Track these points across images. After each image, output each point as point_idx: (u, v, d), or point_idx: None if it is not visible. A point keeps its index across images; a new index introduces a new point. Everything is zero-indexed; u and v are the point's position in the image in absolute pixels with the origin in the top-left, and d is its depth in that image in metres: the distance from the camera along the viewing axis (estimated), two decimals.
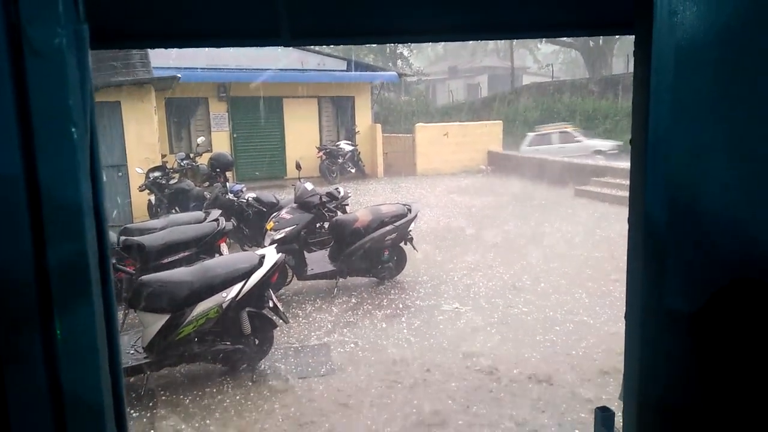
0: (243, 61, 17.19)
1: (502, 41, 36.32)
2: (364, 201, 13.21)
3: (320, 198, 7.76)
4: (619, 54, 30.80)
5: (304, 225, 7.56)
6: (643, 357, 1.13)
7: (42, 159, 0.85)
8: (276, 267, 5.22)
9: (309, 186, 8.00)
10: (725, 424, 1.01)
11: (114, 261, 5.33)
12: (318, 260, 7.42)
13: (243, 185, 9.68)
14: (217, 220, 7.09)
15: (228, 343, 4.95)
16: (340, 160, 17.58)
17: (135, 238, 6.15)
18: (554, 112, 22.33)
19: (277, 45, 1.58)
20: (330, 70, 18.61)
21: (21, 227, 0.85)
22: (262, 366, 5.18)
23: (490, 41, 38.19)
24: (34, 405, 0.89)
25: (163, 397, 4.73)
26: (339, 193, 8.34)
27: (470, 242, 9.67)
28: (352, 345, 5.65)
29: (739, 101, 0.93)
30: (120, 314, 6.08)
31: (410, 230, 7.69)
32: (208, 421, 4.35)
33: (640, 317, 1.14)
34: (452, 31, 1.60)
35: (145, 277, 4.81)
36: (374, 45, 29.42)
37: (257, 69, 17.17)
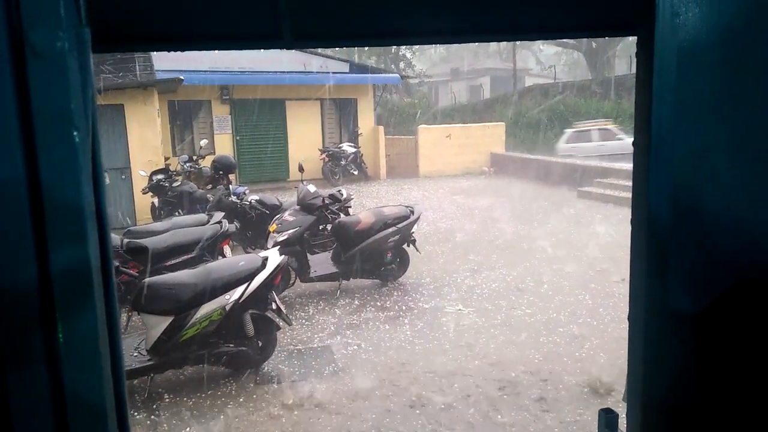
0: (245, 63, 17.21)
1: (505, 43, 36.32)
2: (366, 203, 13.21)
3: (323, 200, 7.77)
4: (622, 55, 30.79)
5: (307, 227, 7.56)
6: (646, 358, 1.13)
7: (44, 162, 0.86)
8: (279, 269, 5.23)
9: (312, 188, 8.00)
10: (728, 425, 1.00)
11: (117, 263, 5.34)
12: (321, 262, 7.42)
13: (246, 187, 9.69)
14: (220, 222, 7.10)
15: (231, 345, 4.95)
16: (343, 162, 17.59)
17: (138, 240, 6.15)
18: (557, 113, 22.30)
19: (279, 47, 1.58)
20: (332, 73, 18.62)
21: (23, 230, 0.85)
22: (266, 368, 5.18)
23: (493, 43, 38.18)
24: (36, 408, 0.90)
25: (167, 400, 4.73)
26: (342, 195, 8.35)
27: (473, 244, 9.65)
28: (355, 347, 5.65)
29: (741, 101, 0.92)
30: (123, 317, 6.09)
31: (413, 232, 7.69)
32: (211, 423, 4.35)
33: (643, 318, 1.13)
34: (454, 33, 1.60)
35: (148, 280, 4.81)
36: (376, 47, 29.43)
37: (260, 71, 17.21)
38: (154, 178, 10.84)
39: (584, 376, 4.88)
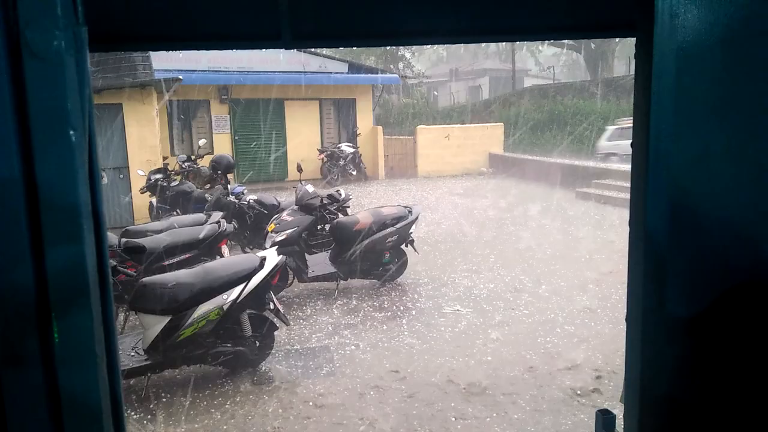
0: (245, 63, 17.22)
1: (504, 44, 36.36)
2: (365, 203, 13.21)
3: (321, 200, 7.77)
4: (621, 56, 30.81)
5: (305, 227, 7.56)
6: (644, 360, 1.13)
7: (40, 161, 0.85)
8: (277, 269, 5.22)
9: (310, 188, 8.00)
10: (726, 426, 1.00)
11: (115, 263, 5.33)
12: (319, 262, 7.42)
13: (244, 187, 9.68)
14: (218, 222, 7.09)
15: (229, 345, 4.95)
16: (342, 163, 17.60)
17: (136, 240, 6.14)
18: (555, 114, 22.31)
19: (278, 47, 1.58)
20: (331, 73, 18.63)
21: (19, 230, 0.85)
22: (263, 368, 5.17)
23: (492, 44, 38.22)
24: (32, 408, 0.89)
25: (164, 400, 4.72)
26: (340, 195, 8.35)
27: (471, 244, 9.66)
28: (353, 347, 5.64)
29: (739, 102, 0.92)
30: (121, 316, 6.08)
31: (411, 232, 7.68)
32: (207, 422, 4.35)
33: (641, 320, 1.13)
34: (454, 33, 1.60)
35: (146, 279, 4.80)
36: (375, 47, 29.43)
37: (259, 71, 17.21)
38: (153, 177, 10.83)
39: (581, 376, 4.88)
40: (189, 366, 5.02)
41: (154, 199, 10.81)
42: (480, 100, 32.32)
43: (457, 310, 6.62)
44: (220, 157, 11.07)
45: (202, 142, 13.80)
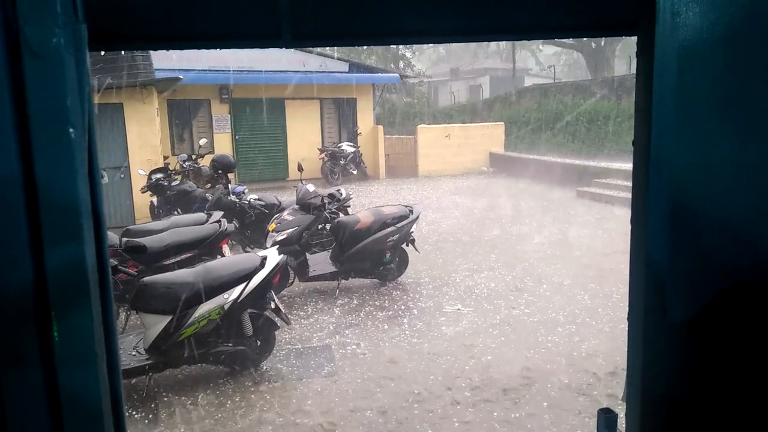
0: (245, 62, 17.20)
1: (504, 43, 36.33)
2: (365, 202, 13.21)
3: (322, 199, 7.76)
4: (622, 55, 30.76)
5: (306, 226, 7.56)
6: (645, 359, 1.13)
7: (39, 160, 0.85)
8: (278, 268, 5.22)
9: (311, 187, 8.00)
10: (727, 426, 1.00)
11: (116, 262, 5.33)
12: (320, 261, 7.42)
13: (245, 187, 9.69)
14: (219, 221, 7.09)
15: (230, 344, 4.95)
16: (342, 162, 17.59)
17: (137, 239, 6.14)
18: (556, 113, 22.28)
19: (278, 47, 1.57)
20: (332, 72, 18.62)
21: (19, 229, 0.85)
22: (264, 367, 5.17)
23: (492, 43, 38.21)
24: (31, 407, 0.89)
25: (165, 399, 4.72)
26: (341, 194, 8.35)
27: (472, 243, 9.66)
28: (354, 346, 5.64)
29: (741, 101, 0.92)
30: (122, 315, 6.08)
31: (412, 231, 7.68)
32: (208, 422, 4.35)
33: (642, 319, 1.13)
34: (454, 32, 1.59)
35: (147, 279, 4.81)
36: (376, 47, 29.42)
37: (259, 71, 17.20)
38: (153, 177, 10.83)
39: (581, 375, 4.88)
40: (190, 365, 5.02)
41: (155, 199, 10.82)
42: (480, 100, 32.29)
43: (458, 309, 6.62)
44: (221, 156, 11.07)
45: (202, 141, 13.81)
